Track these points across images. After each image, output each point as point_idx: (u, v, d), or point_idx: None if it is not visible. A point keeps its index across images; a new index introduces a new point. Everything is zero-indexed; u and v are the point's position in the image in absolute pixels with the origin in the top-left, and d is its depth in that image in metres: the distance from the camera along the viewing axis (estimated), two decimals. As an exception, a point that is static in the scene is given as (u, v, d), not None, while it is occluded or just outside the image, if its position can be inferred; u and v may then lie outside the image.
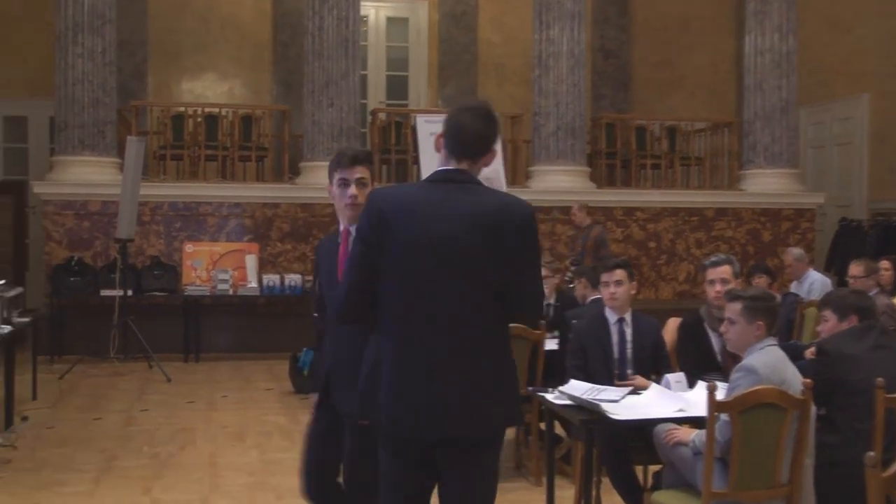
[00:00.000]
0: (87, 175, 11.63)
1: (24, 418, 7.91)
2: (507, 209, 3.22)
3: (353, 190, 3.98)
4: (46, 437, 7.55)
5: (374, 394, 3.31)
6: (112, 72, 11.86)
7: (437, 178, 3.30)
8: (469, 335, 3.21)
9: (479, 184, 3.29)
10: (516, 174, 13.27)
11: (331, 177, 4.07)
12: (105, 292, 11.11)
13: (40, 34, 13.18)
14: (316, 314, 4.26)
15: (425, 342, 3.20)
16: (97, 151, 11.69)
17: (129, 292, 10.87)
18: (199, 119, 12.78)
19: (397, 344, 3.23)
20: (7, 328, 7.41)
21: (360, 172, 4.02)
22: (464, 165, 3.29)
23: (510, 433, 7.03)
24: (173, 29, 14.66)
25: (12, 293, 7.88)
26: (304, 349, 9.41)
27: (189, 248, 11.68)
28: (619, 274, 5.62)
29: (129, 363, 10.60)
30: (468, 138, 3.29)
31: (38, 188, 11.86)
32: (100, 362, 10.63)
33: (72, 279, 11.29)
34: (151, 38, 14.57)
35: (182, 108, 13.04)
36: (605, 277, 5.67)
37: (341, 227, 4.08)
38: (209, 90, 14.86)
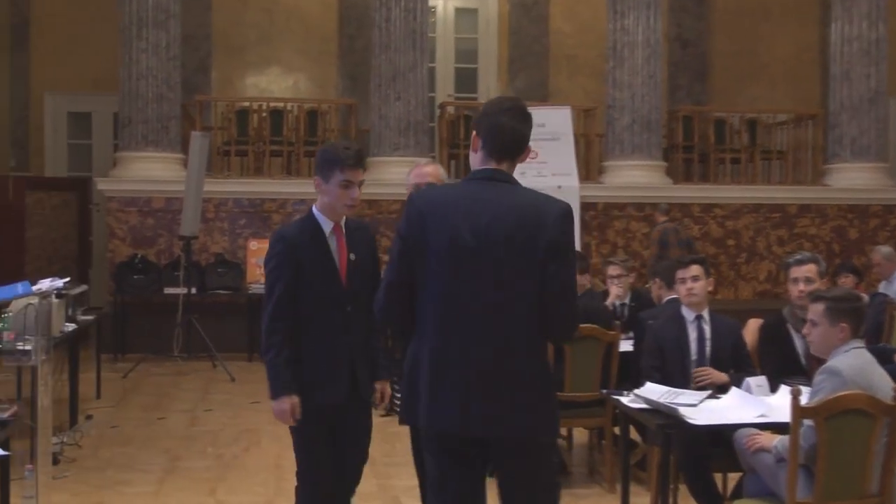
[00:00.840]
0: (150, 171, 11.81)
1: (89, 417, 8.07)
2: (544, 207, 3.29)
3: (357, 193, 4.14)
4: (110, 436, 7.69)
5: (411, 396, 3.38)
6: (176, 66, 12.03)
7: (478, 176, 3.37)
8: (504, 335, 3.26)
9: (518, 183, 3.37)
10: (589, 169, 13.19)
11: (328, 173, 4.13)
12: (169, 290, 11.27)
13: (104, 29, 13.41)
14: (278, 321, 4.11)
15: (461, 340, 3.27)
16: (161, 147, 11.87)
17: (193, 290, 11.04)
18: (264, 114, 12.91)
19: (434, 342, 3.30)
20: (71, 326, 7.54)
21: (362, 175, 4.18)
22: (504, 166, 3.37)
23: (584, 438, 6.99)
24: (237, 22, 14.83)
25: (76, 291, 8.02)
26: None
27: (254, 245, 11.81)
28: (695, 269, 5.58)
29: (192, 362, 10.75)
30: (509, 140, 3.36)
31: (102, 185, 12.07)
32: (163, 361, 10.80)
33: (135, 277, 11.49)
34: (215, 32, 14.76)
35: (247, 103, 13.18)
36: (680, 274, 5.64)
37: (329, 223, 4.19)
38: (274, 84, 15.00)
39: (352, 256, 4.20)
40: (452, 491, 3.38)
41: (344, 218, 4.25)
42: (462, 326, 3.27)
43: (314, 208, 4.27)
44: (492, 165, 3.36)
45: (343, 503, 4.35)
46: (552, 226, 3.25)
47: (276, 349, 4.10)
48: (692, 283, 5.57)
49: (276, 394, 4.11)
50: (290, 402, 4.08)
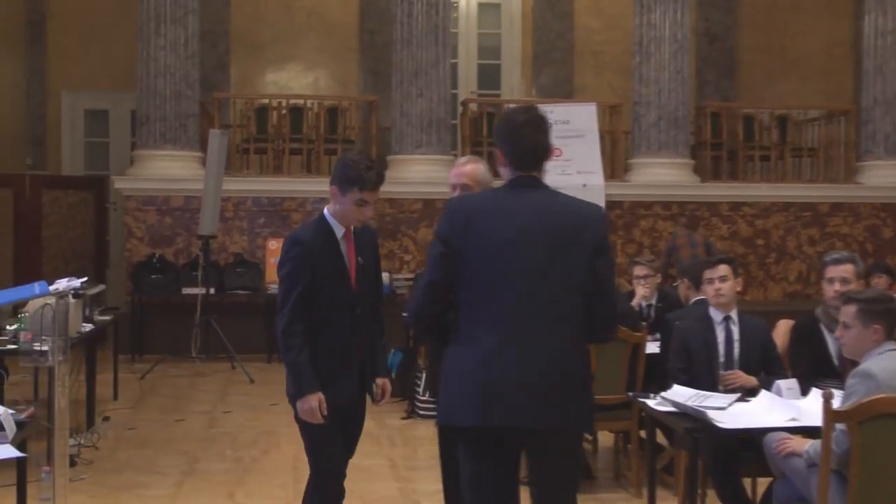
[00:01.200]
0: (168, 170, 11.86)
1: (106, 419, 8.10)
2: (584, 210, 3.56)
3: (370, 212, 4.35)
4: (128, 438, 7.73)
5: (451, 397, 3.52)
6: (195, 63, 12.07)
7: (515, 184, 3.58)
8: (554, 333, 3.45)
9: (549, 187, 3.60)
10: (614, 167, 13.15)
11: (346, 187, 4.26)
12: (187, 290, 11.32)
13: (122, 26, 13.47)
14: (296, 324, 4.24)
15: (515, 339, 3.42)
16: (179, 145, 11.92)
17: (212, 290, 11.06)
18: (284, 111, 12.94)
19: (484, 342, 3.42)
20: (89, 326, 7.59)
21: (378, 195, 4.36)
22: (534, 173, 3.59)
23: (610, 441, 6.98)
24: (256, 18, 14.86)
25: (94, 291, 8.07)
26: (392, 350, 9.46)
27: (273, 244, 11.82)
28: (723, 269, 5.56)
29: (210, 363, 10.79)
30: (531, 153, 3.58)
31: (119, 183, 12.14)
32: (181, 362, 10.84)
33: (153, 277, 11.54)
34: (234, 29, 14.79)
35: (266, 100, 13.21)
36: (708, 274, 5.62)
37: (341, 227, 4.34)
38: (293, 81, 15.02)
39: (360, 259, 4.40)
40: (493, 489, 3.50)
41: None
42: (514, 326, 3.42)
43: (326, 211, 4.40)
44: (522, 174, 3.58)
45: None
46: (598, 227, 3.52)
47: (296, 349, 4.22)
48: (720, 284, 5.54)
49: (302, 392, 4.22)
50: (318, 398, 4.19)
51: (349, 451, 4.49)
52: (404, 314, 4.43)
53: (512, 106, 3.92)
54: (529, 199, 3.52)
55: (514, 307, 3.43)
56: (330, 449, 4.33)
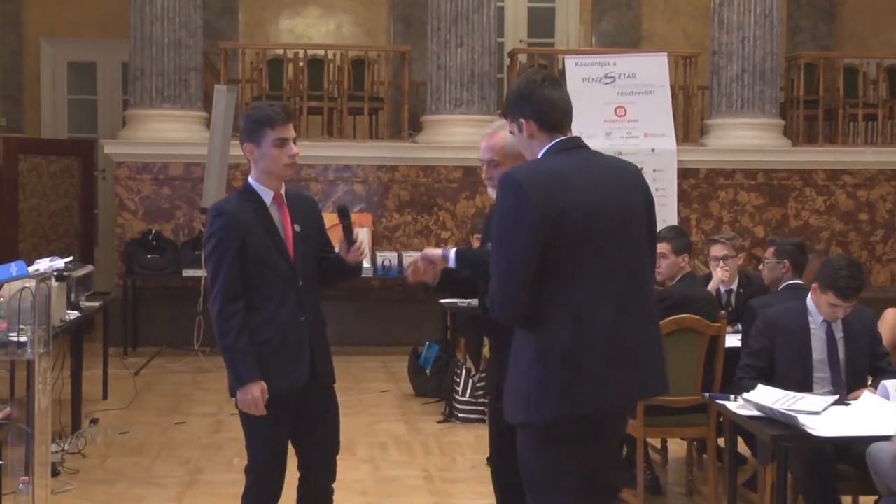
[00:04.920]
0: (167, 132, 11.91)
1: (94, 421, 8.17)
2: (627, 167, 3.95)
3: (294, 149, 4.49)
4: (119, 443, 7.79)
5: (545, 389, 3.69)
6: (197, 7, 12.09)
7: (566, 146, 3.83)
8: (641, 301, 3.80)
9: (590, 147, 3.92)
10: (688, 129, 13.06)
11: (258, 135, 4.46)
12: (188, 272, 11.38)
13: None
14: (232, 303, 4.36)
15: (614, 315, 3.70)
16: (179, 103, 11.95)
17: (217, 273, 11.10)
18: (301, 64, 12.95)
19: (585, 321, 3.66)
20: (74, 314, 7.63)
21: (293, 130, 4.53)
22: (570, 133, 3.88)
23: (682, 451, 6.96)
24: (269, -46, 14.91)
25: (80, 273, 8.11)
26: (427, 343, 9.48)
27: (288, 219, 11.84)
28: (857, 298, 5.42)
29: (215, 357, 10.78)
30: (563, 111, 3.87)
31: (110, 148, 12.19)
32: (182, 356, 10.93)
33: (149, 257, 11.60)
34: (243, -34, 14.85)
35: (280, 51, 13.22)
36: (834, 300, 5.39)
37: (269, 192, 4.51)
38: (313, 29, 15.04)
39: (296, 228, 4.55)
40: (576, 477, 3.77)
41: (283, 188, 4.58)
42: (611, 301, 3.70)
43: (250, 179, 4.58)
44: (561, 137, 3.84)
45: (321, 500, 4.65)
46: (644, 185, 3.90)
47: (233, 333, 4.35)
48: (842, 314, 5.42)
49: (242, 381, 4.35)
50: (260, 387, 4.34)
51: (325, 446, 4.59)
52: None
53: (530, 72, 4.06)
54: (591, 165, 3.78)
55: (609, 285, 3.70)
56: (268, 441, 4.46)
